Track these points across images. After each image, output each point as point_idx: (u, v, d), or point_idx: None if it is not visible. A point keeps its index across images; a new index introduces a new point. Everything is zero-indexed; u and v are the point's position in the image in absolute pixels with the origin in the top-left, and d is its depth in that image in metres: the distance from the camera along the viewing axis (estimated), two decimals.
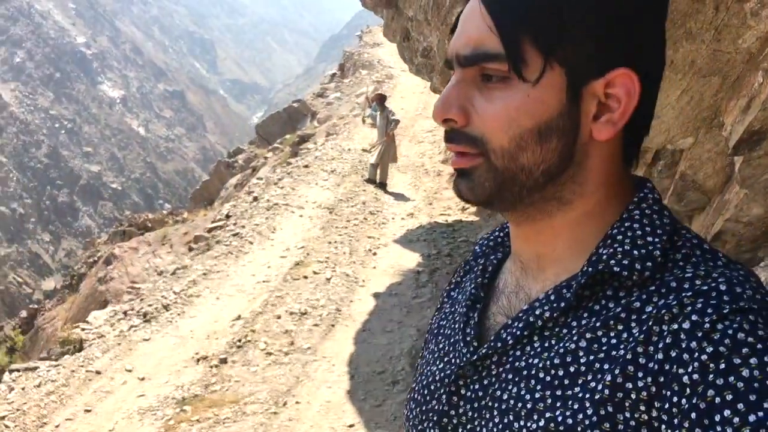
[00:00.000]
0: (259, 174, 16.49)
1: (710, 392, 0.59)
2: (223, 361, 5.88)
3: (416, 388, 0.88)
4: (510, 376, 0.74)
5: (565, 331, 0.72)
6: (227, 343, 6.24)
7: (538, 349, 0.73)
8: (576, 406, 0.67)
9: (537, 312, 0.75)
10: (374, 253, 8.79)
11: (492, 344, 0.77)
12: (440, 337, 0.89)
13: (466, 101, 0.73)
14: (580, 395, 0.67)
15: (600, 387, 0.66)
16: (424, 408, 0.84)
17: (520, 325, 0.75)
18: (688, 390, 0.60)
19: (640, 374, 0.64)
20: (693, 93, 2.53)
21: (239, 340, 6.23)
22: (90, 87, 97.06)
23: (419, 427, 0.84)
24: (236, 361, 5.87)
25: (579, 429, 0.66)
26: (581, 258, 0.75)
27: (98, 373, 5.94)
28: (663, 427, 0.62)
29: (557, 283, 0.76)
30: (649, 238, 0.72)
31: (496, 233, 0.93)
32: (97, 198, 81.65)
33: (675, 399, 0.61)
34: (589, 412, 0.66)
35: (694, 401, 0.60)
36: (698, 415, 0.59)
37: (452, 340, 0.86)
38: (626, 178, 0.78)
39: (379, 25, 40.22)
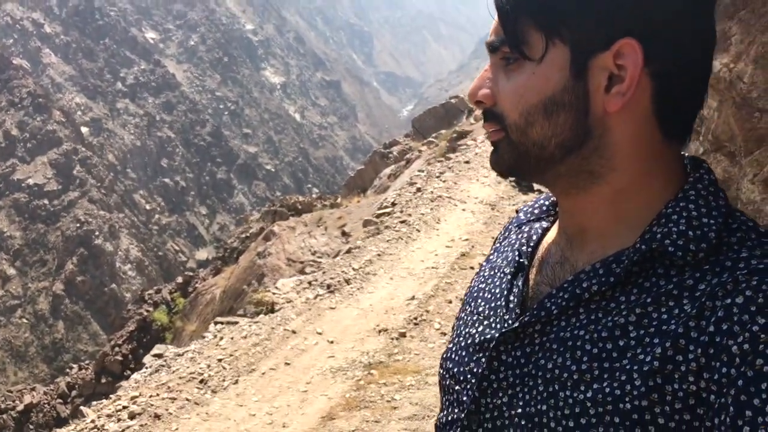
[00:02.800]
0: (414, 166, 17.02)
1: (759, 361, 0.61)
2: (402, 334, 6.40)
3: (454, 348, 0.90)
4: (555, 346, 0.75)
5: (613, 305, 0.73)
6: (404, 319, 6.76)
7: (584, 321, 0.74)
8: (624, 378, 0.68)
9: (584, 284, 0.75)
10: None
11: (536, 312, 0.78)
12: (480, 300, 0.91)
13: (492, 84, 0.78)
14: (628, 367, 0.68)
15: (649, 359, 0.67)
16: (461, 369, 0.86)
17: (566, 296, 0.77)
18: (737, 360, 0.62)
19: (691, 347, 0.65)
20: None
21: (415, 318, 6.73)
22: (254, 72, 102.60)
23: (456, 387, 0.86)
24: (414, 336, 6.38)
25: (627, 399, 0.67)
26: (628, 233, 0.76)
27: (294, 332, 6.66)
28: (712, 397, 0.63)
29: (604, 255, 0.77)
30: (705, 219, 0.73)
31: (541, 201, 0.95)
32: (252, 177, 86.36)
33: (724, 369, 0.63)
34: (638, 383, 0.67)
35: (742, 369, 0.61)
36: (744, 383, 0.61)
37: (493, 305, 0.88)
38: (670, 155, 0.78)
39: None
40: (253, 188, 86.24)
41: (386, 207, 11.66)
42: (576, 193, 0.78)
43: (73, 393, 21.78)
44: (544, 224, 0.91)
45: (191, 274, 24.86)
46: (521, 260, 0.87)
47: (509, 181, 12.40)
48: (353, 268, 8.29)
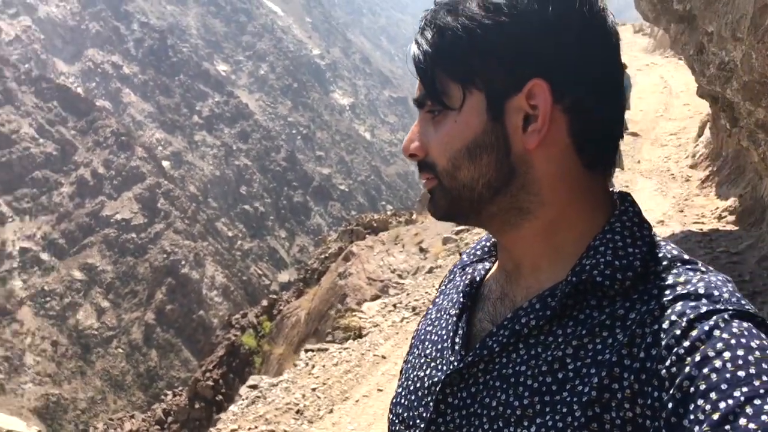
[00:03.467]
0: None
1: (686, 383, 0.63)
2: None
3: (402, 392, 0.90)
4: (498, 383, 0.77)
5: (551, 339, 0.75)
6: None
7: (525, 357, 0.76)
8: (564, 410, 0.70)
9: (523, 320, 0.78)
10: None
11: (478, 352, 0.80)
12: (427, 343, 0.92)
13: (422, 136, 0.83)
14: (568, 399, 0.70)
15: (587, 390, 0.69)
16: (411, 413, 0.87)
17: (506, 333, 0.79)
18: (666, 383, 0.64)
19: (625, 374, 0.68)
20: None
21: None
22: (323, 95, 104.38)
23: None
24: None
25: (568, 431, 0.69)
26: (561, 265, 0.79)
27: (383, 357, 6.66)
28: (647, 422, 0.65)
29: (540, 290, 0.79)
30: (630, 249, 0.76)
31: (483, 242, 0.98)
32: (327, 199, 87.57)
33: (656, 394, 0.65)
34: (577, 414, 0.69)
35: (671, 392, 0.63)
36: (674, 405, 0.63)
37: (440, 347, 0.89)
38: (595, 186, 0.81)
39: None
40: (329, 209, 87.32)
41: None
42: (510, 229, 0.82)
43: (170, 419, 22.42)
44: (487, 265, 0.93)
45: (275, 296, 25.15)
46: (464, 301, 0.89)
47: None
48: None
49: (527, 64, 0.76)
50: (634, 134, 15.00)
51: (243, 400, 6.60)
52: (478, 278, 0.91)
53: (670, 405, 0.63)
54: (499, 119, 0.78)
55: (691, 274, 0.73)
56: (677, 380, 0.63)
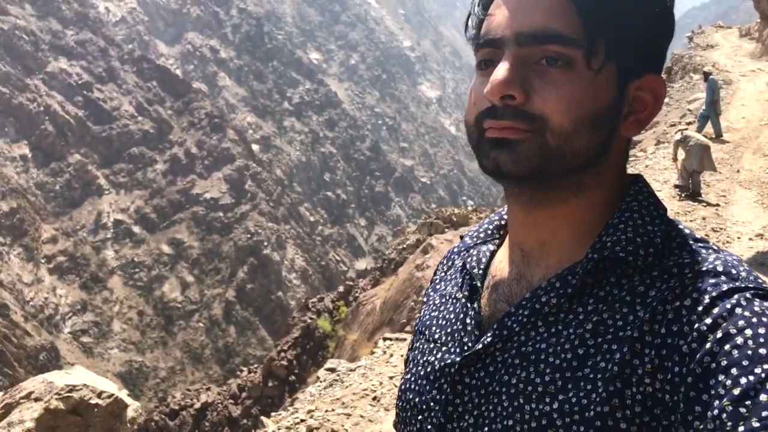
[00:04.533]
0: None
1: (706, 358, 0.64)
2: None
3: (412, 379, 0.89)
4: (517, 361, 0.77)
5: (571, 316, 0.76)
6: None
7: (545, 335, 0.76)
8: (589, 387, 0.70)
9: (543, 299, 0.78)
10: None
11: (497, 332, 0.80)
12: (434, 328, 0.91)
13: (525, 81, 0.75)
14: (591, 376, 0.71)
15: (610, 366, 0.70)
16: (423, 398, 0.86)
17: (526, 312, 0.78)
18: (687, 359, 0.65)
19: (647, 350, 0.69)
20: None
21: None
22: (411, 87, 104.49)
23: (419, 417, 0.86)
24: None
25: (591, 407, 0.69)
26: (582, 245, 0.79)
27: None
28: (666, 396, 0.66)
29: (559, 269, 0.79)
30: (650, 227, 0.77)
31: (486, 225, 0.97)
32: (408, 190, 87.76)
33: (676, 369, 0.66)
34: (600, 389, 0.69)
35: (691, 367, 0.65)
36: (694, 380, 0.64)
37: (449, 330, 0.88)
38: (625, 173, 0.84)
39: (713, 26, 36.93)
40: (410, 200, 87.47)
41: None
42: (557, 204, 0.80)
43: (243, 394, 23.04)
44: (491, 247, 0.92)
45: (352, 283, 25.27)
46: (474, 283, 0.88)
47: (681, 195, 11.69)
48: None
49: (654, 56, 0.78)
50: (725, 141, 14.34)
51: (321, 382, 6.73)
52: (484, 260, 0.90)
53: (689, 379, 0.64)
54: (621, 98, 0.77)
55: (704, 252, 0.74)
56: (698, 356, 0.64)
